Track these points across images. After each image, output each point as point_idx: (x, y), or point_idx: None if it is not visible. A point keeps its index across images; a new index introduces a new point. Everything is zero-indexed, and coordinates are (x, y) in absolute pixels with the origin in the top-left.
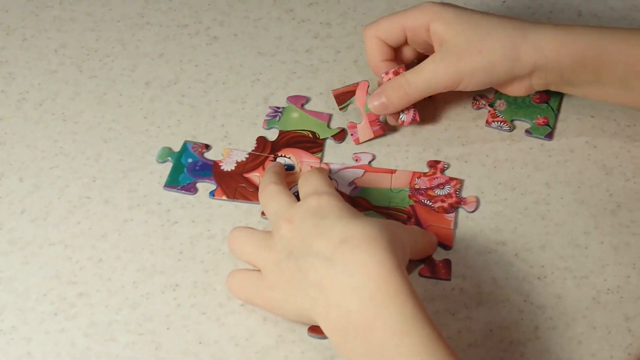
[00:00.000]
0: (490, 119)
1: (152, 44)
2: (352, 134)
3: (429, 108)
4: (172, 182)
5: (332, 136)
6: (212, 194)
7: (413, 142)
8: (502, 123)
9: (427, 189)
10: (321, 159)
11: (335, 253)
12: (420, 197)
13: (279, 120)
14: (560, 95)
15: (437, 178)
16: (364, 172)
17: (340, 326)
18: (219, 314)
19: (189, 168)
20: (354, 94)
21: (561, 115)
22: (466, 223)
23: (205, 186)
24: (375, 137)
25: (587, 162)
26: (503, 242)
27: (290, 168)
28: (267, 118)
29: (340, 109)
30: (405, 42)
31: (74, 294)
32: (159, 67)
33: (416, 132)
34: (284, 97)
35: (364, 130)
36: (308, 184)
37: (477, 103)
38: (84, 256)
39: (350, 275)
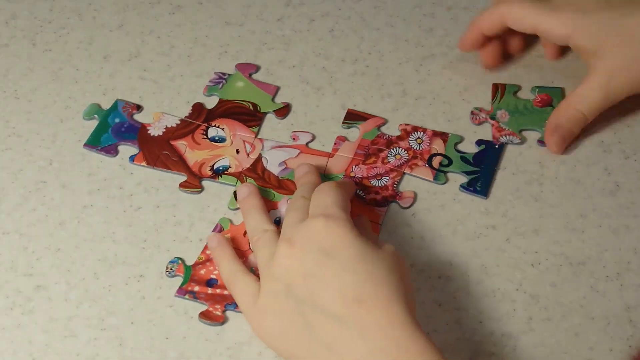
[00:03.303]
0: (497, 134)
1: (110, 14)
2: (336, 144)
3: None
4: (93, 142)
5: (274, 111)
6: (132, 159)
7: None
8: (511, 136)
9: (362, 178)
10: (257, 134)
11: (348, 313)
12: None
13: (221, 87)
14: (561, 94)
15: (376, 167)
16: (299, 152)
17: None
18: (187, 307)
19: (114, 129)
20: (365, 120)
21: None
22: (453, 204)
23: (127, 150)
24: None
25: (583, 138)
26: (493, 226)
27: (221, 140)
28: (210, 84)
29: (343, 124)
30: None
31: (30, 286)
32: (118, 39)
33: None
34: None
35: (348, 148)
36: (321, 198)
37: (477, 117)
38: (41, 246)
39: (366, 339)
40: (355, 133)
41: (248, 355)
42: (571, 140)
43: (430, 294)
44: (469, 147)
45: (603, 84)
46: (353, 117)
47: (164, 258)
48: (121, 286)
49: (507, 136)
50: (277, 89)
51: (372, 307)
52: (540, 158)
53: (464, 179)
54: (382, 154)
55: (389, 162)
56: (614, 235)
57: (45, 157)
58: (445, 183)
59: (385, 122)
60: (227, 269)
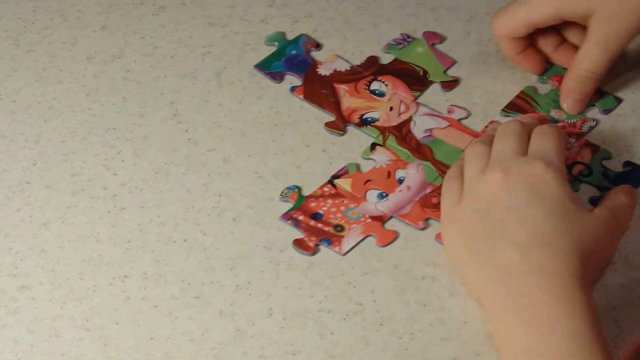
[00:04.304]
0: (578, 129)
1: (94, 14)
2: (487, 126)
3: None
4: (264, 65)
5: (441, 82)
6: (292, 89)
7: None
8: (586, 123)
9: None
10: (416, 98)
11: (532, 252)
12: None
13: (401, 48)
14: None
15: None
16: (448, 125)
17: (514, 311)
18: (171, 307)
19: (288, 59)
20: (525, 112)
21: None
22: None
23: (291, 80)
24: None
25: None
26: None
27: (380, 94)
28: (392, 42)
29: (502, 111)
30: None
31: (15, 287)
32: (101, 40)
33: None
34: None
35: None
36: (545, 140)
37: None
38: (25, 246)
39: (541, 278)
40: None
41: (232, 355)
42: (587, 100)
43: (414, 295)
44: (615, 165)
45: (600, 37)
46: (514, 108)
47: (148, 258)
48: (105, 286)
49: (585, 125)
50: (453, 62)
51: (555, 257)
52: None
53: (596, 193)
54: None
55: None
56: None
57: (29, 158)
58: (576, 191)
59: (545, 116)
60: (451, 170)
